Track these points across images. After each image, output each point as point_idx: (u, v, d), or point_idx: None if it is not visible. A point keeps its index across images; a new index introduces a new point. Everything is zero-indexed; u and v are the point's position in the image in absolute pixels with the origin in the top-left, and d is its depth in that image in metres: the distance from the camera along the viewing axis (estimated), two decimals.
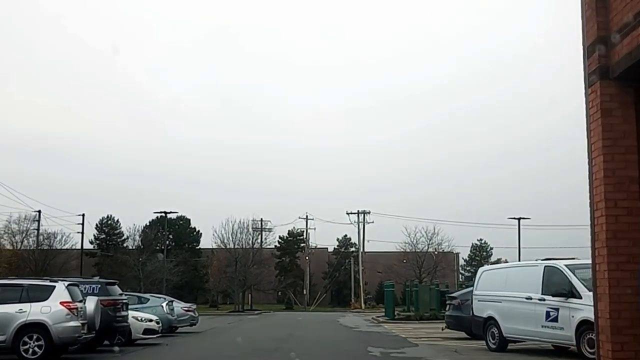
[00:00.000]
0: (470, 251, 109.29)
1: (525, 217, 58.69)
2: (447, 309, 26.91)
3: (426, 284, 46.31)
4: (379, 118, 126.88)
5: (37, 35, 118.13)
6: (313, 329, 36.10)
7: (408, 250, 75.91)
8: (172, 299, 34.33)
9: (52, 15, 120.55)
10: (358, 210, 76.81)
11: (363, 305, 75.14)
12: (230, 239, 78.69)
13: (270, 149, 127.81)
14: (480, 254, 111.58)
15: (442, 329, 26.64)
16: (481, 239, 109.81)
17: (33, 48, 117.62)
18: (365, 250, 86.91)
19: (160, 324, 26.50)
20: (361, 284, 77.44)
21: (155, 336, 25.66)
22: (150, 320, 25.79)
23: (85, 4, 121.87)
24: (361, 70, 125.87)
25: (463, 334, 25.96)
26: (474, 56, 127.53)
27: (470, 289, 27.54)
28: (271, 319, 51.53)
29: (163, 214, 55.93)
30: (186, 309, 33.61)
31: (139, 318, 25.44)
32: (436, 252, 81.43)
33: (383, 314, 51.86)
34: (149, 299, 30.69)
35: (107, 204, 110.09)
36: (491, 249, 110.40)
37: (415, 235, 74.88)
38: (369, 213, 76.08)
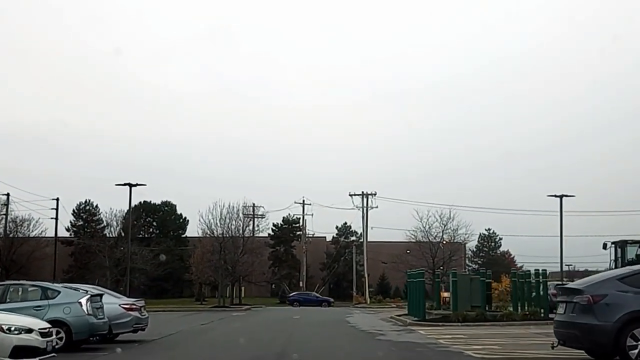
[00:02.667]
0: (478, 241, 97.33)
1: (568, 194, 46.26)
2: (561, 311, 14.53)
3: (465, 273, 33.98)
4: (382, 109, 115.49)
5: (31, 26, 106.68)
6: (318, 335, 23.84)
7: (420, 238, 63.58)
8: (104, 291, 21.99)
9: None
10: (363, 192, 64.41)
11: (368, 300, 62.78)
12: (219, 224, 66.55)
13: (265, 133, 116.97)
14: (489, 245, 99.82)
15: (553, 346, 14.39)
16: (489, 229, 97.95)
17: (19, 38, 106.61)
18: (368, 239, 74.59)
19: (52, 337, 14.23)
20: (365, 275, 64.96)
21: (37, 359, 13.41)
22: (30, 331, 13.51)
23: None
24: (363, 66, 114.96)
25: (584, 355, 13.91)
26: (482, 54, 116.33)
27: (613, 273, 15.40)
28: (260, 317, 39.13)
29: (128, 187, 42.76)
30: (127, 306, 21.18)
31: (6, 327, 13.21)
32: (444, 242, 69.61)
33: (399, 311, 39.92)
34: (59, 292, 18.35)
35: (85, 190, 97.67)
36: (500, 239, 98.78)
37: (427, 220, 62.71)
38: (374, 195, 63.77)
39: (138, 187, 46.41)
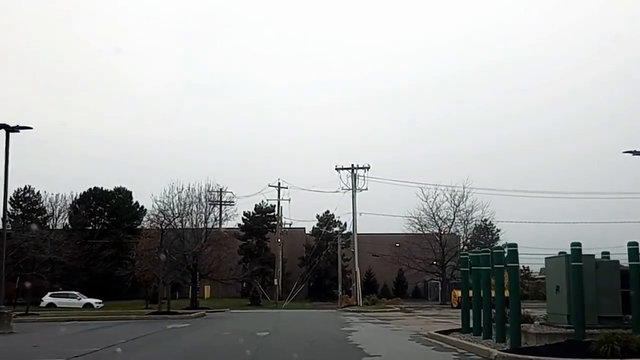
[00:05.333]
0: (473, 233, 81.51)
1: None
2: None
3: (588, 257, 17.90)
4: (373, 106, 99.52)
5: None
6: None
7: (427, 222, 47.63)
8: None
9: None
10: (352, 165, 48.10)
11: (361, 301, 46.52)
12: (176, 210, 50.27)
13: (241, 122, 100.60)
14: (485, 237, 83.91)
15: None
16: (486, 220, 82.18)
17: None
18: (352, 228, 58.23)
19: None
20: (355, 270, 48.49)
21: None
22: None
23: None
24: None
25: None
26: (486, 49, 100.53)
27: None
28: (204, 333, 22.42)
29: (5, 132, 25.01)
30: None
31: None
32: (442, 233, 54.20)
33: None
34: None
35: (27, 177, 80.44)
36: (498, 231, 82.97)
37: (435, 200, 46.86)
38: (368, 168, 47.42)
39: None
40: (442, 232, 51.01)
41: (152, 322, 29.08)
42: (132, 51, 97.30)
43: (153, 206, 50.13)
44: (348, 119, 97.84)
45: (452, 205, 47.65)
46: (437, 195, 47.46)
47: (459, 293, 45.65)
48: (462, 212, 48.27)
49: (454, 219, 48.63)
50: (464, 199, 47.63)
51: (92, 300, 48.62)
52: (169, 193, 48.27)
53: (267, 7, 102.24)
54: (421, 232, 49.07)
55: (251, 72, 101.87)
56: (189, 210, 51.64)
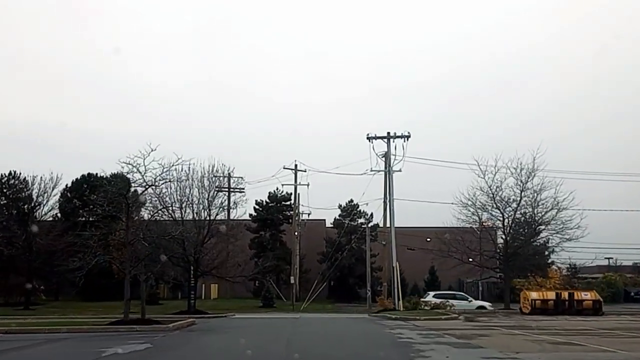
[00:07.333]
0: (512, 228, 69.43)
1: None
2: None
3: None
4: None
5: None
6: None
7: (484, 202, 36.26)
8: None
9: None
10: (388, 133, 36.18)
11: (401, 305, 34.83)
12: (175, 194, 39.84)
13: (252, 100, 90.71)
14: (525, 232, 72.05)
15: None
16: (524, 212, 70.19)
17: None
18: (380, 220, 46.71)
19: None
20: (394, 265, 36.41)
21: None
22: None
23: None
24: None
25: None
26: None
27: None
28: None
29: None
30: None
31: None
32: (484, 224, 42.88)
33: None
34: None
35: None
36: (539, 224, 70.97)
37: (495, 175, 35.52)
38: (408, 137, 35.44)
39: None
40: (505, 218, 39.78)
41: (100, 337, 17.87)
42: (132, 50, 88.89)
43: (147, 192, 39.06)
44: (352, 118, 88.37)
45: (519, 182, 36.33)
46: (498, 170, 36.24)
47: (531, 295, 34.41)
48: (529, 191, 36.96)
49: (520, 200, 37.27)
50: (532, 175, 36.34)
51: (485, 303, 38.89)
52: (166, 173, 37.05)
53: (268, 6, 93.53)
54: (476, 219, 37.70)
55: (252, 70, 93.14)
56: (190, 195, 41.14)
